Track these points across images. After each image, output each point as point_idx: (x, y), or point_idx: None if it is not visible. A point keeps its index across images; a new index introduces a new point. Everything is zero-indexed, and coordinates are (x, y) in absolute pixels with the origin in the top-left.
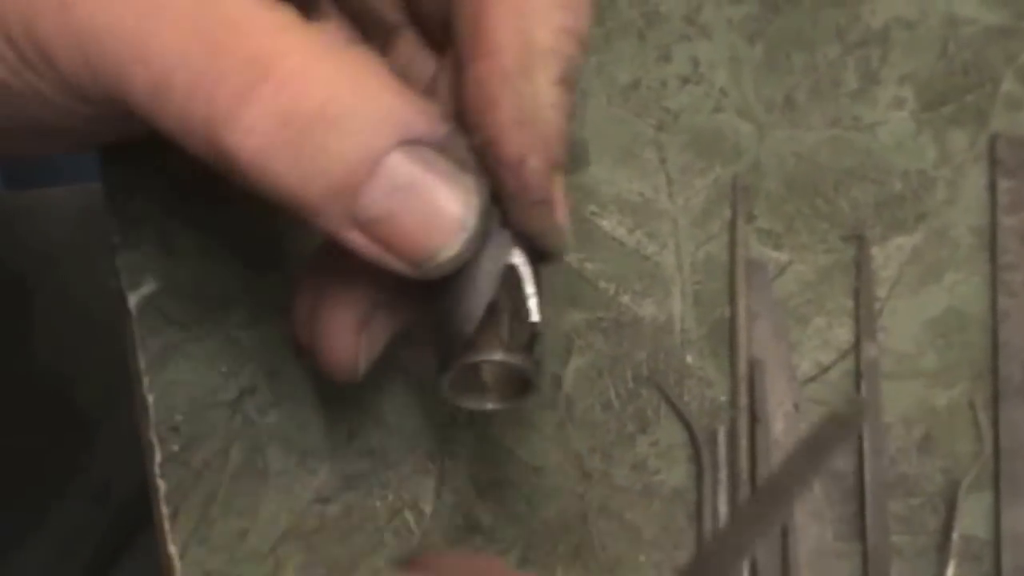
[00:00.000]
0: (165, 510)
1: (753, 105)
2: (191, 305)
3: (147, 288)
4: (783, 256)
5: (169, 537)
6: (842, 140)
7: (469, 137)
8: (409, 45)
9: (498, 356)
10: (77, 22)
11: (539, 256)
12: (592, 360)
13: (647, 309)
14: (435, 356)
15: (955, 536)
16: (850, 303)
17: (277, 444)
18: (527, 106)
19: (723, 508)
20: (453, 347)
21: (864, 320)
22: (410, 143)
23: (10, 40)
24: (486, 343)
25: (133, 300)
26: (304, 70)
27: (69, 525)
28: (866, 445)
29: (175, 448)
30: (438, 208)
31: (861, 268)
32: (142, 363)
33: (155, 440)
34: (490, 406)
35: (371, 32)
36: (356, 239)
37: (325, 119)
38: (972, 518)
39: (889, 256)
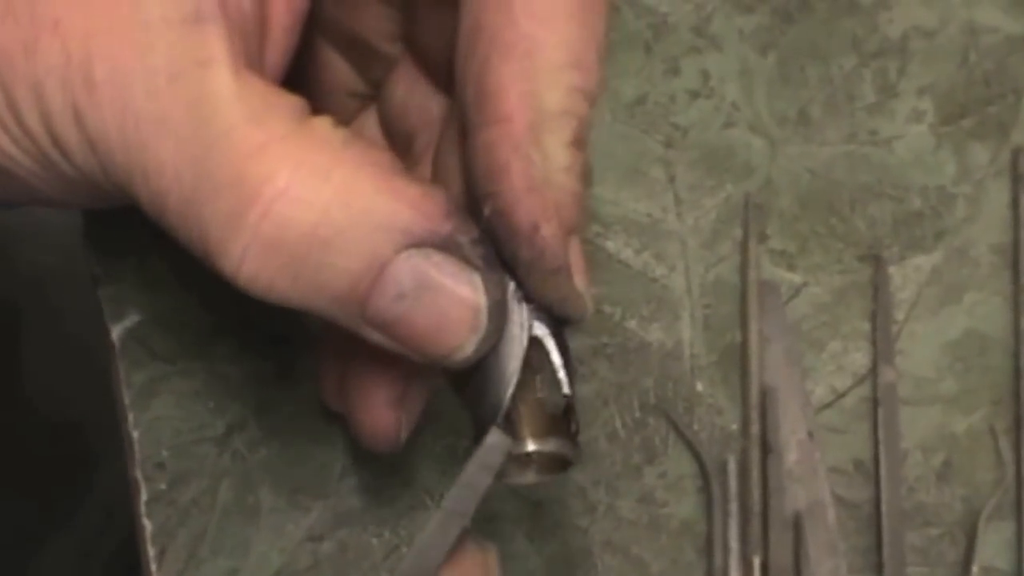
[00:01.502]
0: (151, 551)
1: (765, 120)
2: (176, 338)
3: (130, 320)
4: (797, 277)
5: None
6: (858, 155)
7: (481, 206)
8: (407, 78)
9: (529, 447)
10: (91, 128)
11: (561, 323)
12: (597, 388)
13: (654, 334)
14: (472, 440)
15: (975, 568)
16: (867, 326)
17: (268, 481)
18: (538, 173)
19: (734, 542)
20: (483, 433)
21: (881, 344)
22: (413, 246)
23: (31, 136)
24: (517, 432)
25: (116, 333)
26: (291, 192)
27: (56, 567)
28: (883, 473)
29: (161, 486)
30: (446, 312)
31: (878, 289)
32: (126, 398)
33: (140, 478)
34: (532, 480)
35: (368, 65)
36: (373, 336)
37: (317, 241)
38: (993, 549)
39: (907, 276)
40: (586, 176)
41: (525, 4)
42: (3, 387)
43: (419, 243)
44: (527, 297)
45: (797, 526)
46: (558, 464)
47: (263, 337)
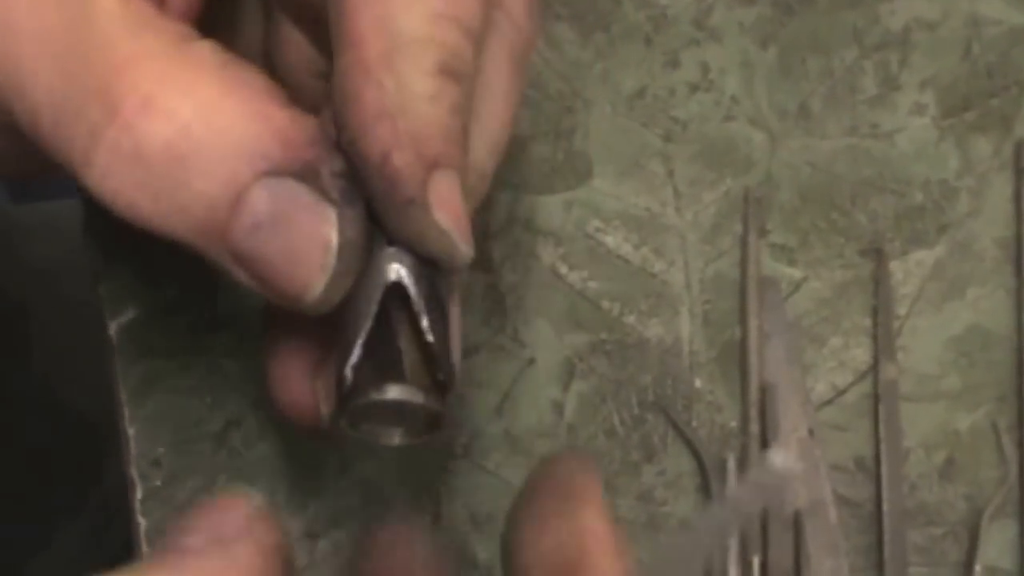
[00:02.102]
0: (146, 548)
1: (766, 113)
2: (173, 333)
3: (127, 316)
4: (797, 272)
5: None
6: (859, 149)
7: (339, 137)
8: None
9: (372, 396)
10: None
11: (432, 267)
12: (595, 385)
13: (653, 330)
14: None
15: (978, 568)
16: (868, 321)
17: (264, 478)
18: (391, 99)
19: (733, 540)
20: (339, 384)
21: (883, 339)
22: (272, 175)
23: None
24: (370, 379)
25: (113, 328)
26: (152, 104)
27: (65, 558)
28: (884, 471)
29: (157, 483)
30: (297, 246)
31: (879, 284)
32: (123, 394)
33: (136, 475)
34: (396, 441)
35: (324, 37)
36: (240, 273)
37: (175, 158)
38: (996, 548)
39: (909, 271)
40: (462, 110)
41: None
42: (11, 382)
43: (278, 170)
44: (391, 239)
45: (797, 525)
46: (428, 422)
47: (261, 333)
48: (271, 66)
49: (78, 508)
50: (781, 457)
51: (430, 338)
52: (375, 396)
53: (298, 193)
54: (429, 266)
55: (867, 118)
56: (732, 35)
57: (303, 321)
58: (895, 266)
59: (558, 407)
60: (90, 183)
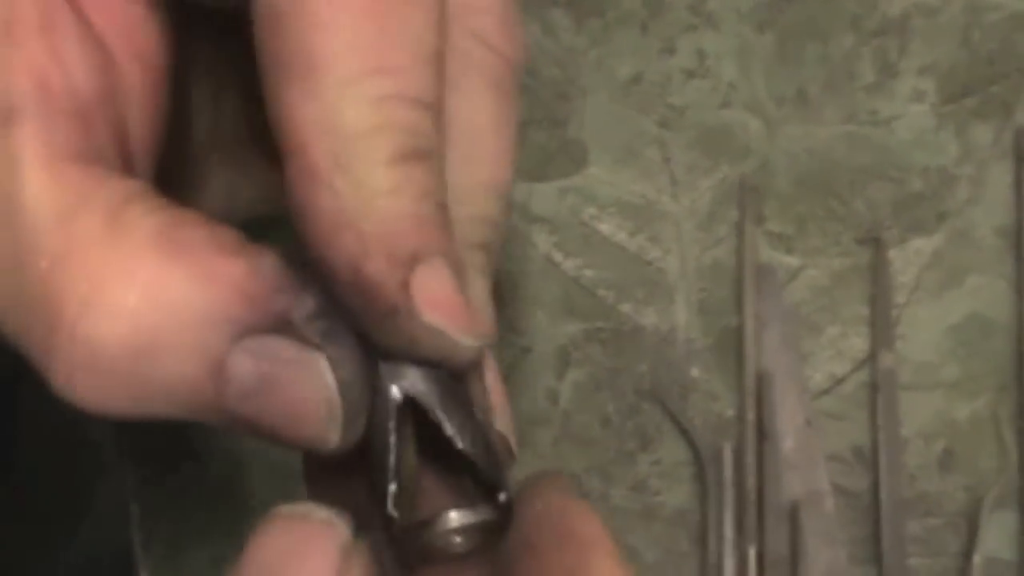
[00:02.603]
0: (138, 536)
1: (763, 100)
2: None
3: None
4: (794, 261)
5: (141, 564)
6: (858, 136)
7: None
8: None
9: (429, 537)
10: None
11: (438, 368)
12: (590, 373)
13: (649, 318)
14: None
15: (977, 558)
16: (866, 310)
17: (259, 466)
18: (348, 204)
19: (729, 531)
20: (387, 527)
21: (881, 328)
22: (246, 335)
23: None
24: (414, 513)
25: None
26: (91, 305)
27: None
28: (882, 461)
29: (149, 470)
30: (296, 405)
31: (878, 273)
32: None
33: (129, 463)
34: (463, 549)
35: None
36: (249, 432)
37: (138, 353)
38: (996, 539)
39: (908, 259)
40: (435, 189)
41: (297, 13)
42: (5, 398)
43: (252, 330)
44: (384, 354)
45: (794, 515)
46: (488, 530)
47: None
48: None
49: (73, 527)
50: None
51: (460, 445)
52: (427, 538)
53: (278, 349)
54: (438, 368)
55: (865, 105)
56: (729, 21)
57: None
58: (893, 254)
59: (553, 395)
60: (60, 392)
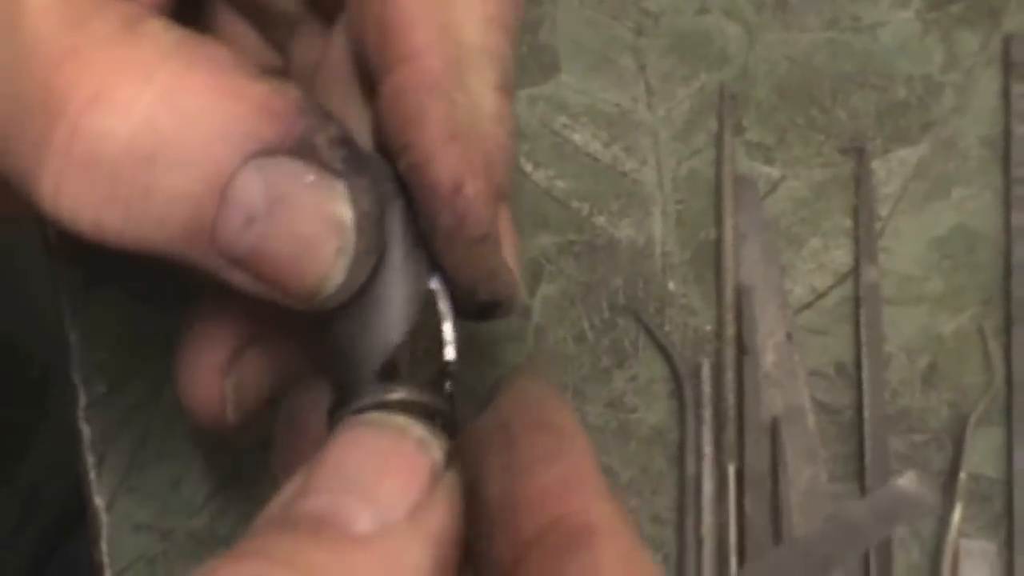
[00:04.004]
0: (90, 458)
1: (742, 5)
2: None
3: None
4: (775, 171)
5: (94, 487)
6: (840, 43)
7: (395, 163)
8: (312, 38)
9: (402, 395)
10: None
11: (481, 310)
12: (563, 287)
13: (624, 231)
14: (332, 385)
15: (963, 475)
16: (848, 222)
17: None
18: (463, 119)
19: (707, 449)
20: (358, 382)
21: (864, 241)
22: (261, 154)
23: None
24: (395, 381)
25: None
26: (102, 98)
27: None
28: (865, 377)
29: (101, 390)
30: (306, 230)
31: (861, 184)
32: (63, 296)
33: (79, 381)
34: None
35: (270, 28)
36: (235, 276)
37: (142, 157)
38: (981, 456)
39: (891, 170)
40: (515, 131)
41: None
42: None
43: (268, 150)
44: (445, 275)
45: (774, 432)
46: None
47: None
48: None
49: (15, 465)
50: (913, 481)
51: (452, 357)
52: (398, 396)
53: (296, 171)
54: (476, 306)
55: (848, 10)
56: None
57: (221, 309)
58: (877, 165)
59: (525, 310)
60: (44, 204)
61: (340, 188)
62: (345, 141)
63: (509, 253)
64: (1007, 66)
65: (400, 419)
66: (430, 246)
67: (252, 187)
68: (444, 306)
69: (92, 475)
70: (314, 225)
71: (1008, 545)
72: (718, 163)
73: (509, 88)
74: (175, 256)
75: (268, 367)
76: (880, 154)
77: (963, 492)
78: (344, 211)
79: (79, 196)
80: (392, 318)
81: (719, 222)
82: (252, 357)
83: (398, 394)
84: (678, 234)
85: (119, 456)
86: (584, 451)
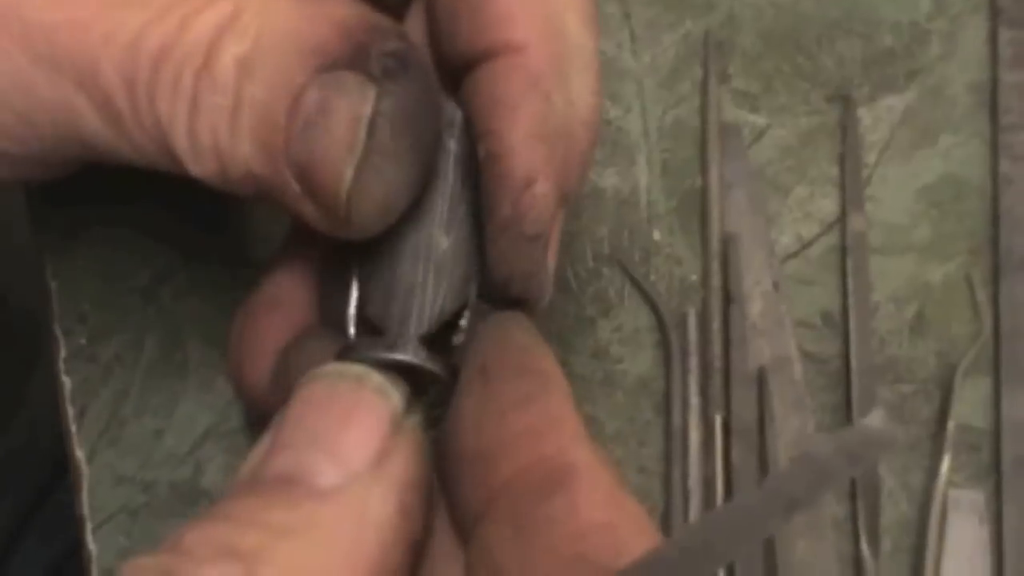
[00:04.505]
0: (71, 410)
1: None
2: (98, 179)
3: None
4: (761, 119)
5: (76, 439)
6: None
7: (475, 142)
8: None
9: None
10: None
11: (507, 302)
12: None
13: (609, 180)
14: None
15: (951, 425)
16: (835, 170)
17: (197, 334)
18: (556, 119)
19: (694, 399)
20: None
21: (850, 189)
22: (328, 68)
23: None
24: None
25: None
26: (237, 19)
27: None
28: (852, 326)
29: (82, 341)
30: (334, 131)
31: (847, 131)
32: (44, 247)
33: (59, 333)
34: None
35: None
36: (294, 193)
37: (242, 75)
38: (969, 405)
39: (878, 118)
40: (598, 138)
41: None
42: None
43: (333, 64)
44: (486, 259)
45: (761, 382)
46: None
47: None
48: None
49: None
50: (879, 419)
51: (458, 339)
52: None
53: (343, 80)
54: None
55: None
56: None
57: (281, 300)
58: (863, 113)
59: None
60: (181, 147)
61: (371, 94)
62: (397, 53)
63: (551, 257)
64: (994, 12)
65: (357, 368)
66: (482, 231)
67: (312, 97)
68: (471, 289)
69: (73, 427)
70: (342, 127)
71: (996, 495)
72: (703, 111)
73: (601, 93)
74: (260, 178)
75: (325, 351)
76: (866, 102)
77: (951, 442)
78: (363, 109)
79: (203, 119)
80: (419, 279)
81: (704, 171)
82: (308, 343)
83: (380, 352)
84: (663, 183)
85: (101, 408)
86: (562, 395)
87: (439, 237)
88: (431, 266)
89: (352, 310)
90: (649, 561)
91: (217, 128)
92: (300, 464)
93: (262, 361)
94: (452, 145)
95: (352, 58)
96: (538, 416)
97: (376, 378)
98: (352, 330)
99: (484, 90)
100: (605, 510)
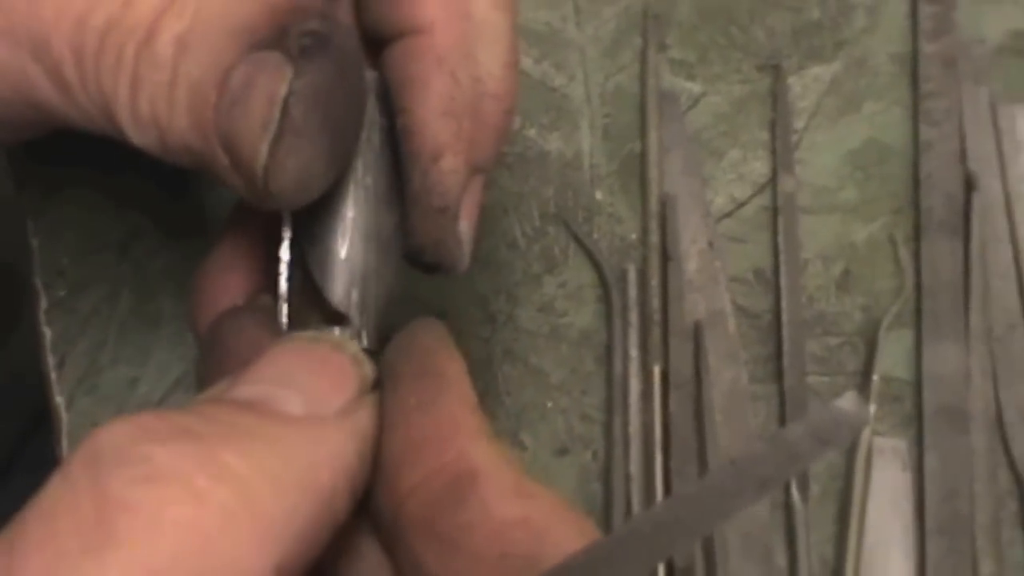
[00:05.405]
0: (51, 359)
1: None
2: (75, 143)
3: None
4: (696, 87)
5: (55, 388)
6: None
7: (392, 111)
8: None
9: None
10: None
11: (423, 267)
12: (496, 197)
13: (554, 143)
14: (287, 312)
15: (875, 377)
16: (766, 135)
17: (169, 288)
18: (462, 96)
19: (634, 351)
20: (310, 315)
21: (781, 153)
22: (256, 48)
23: None
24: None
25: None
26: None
27: None
28: (783, 282)
29: (61, 293)
30: (253, 109)
31: (777, 99)
32: (26, 204)
33: (40, 285)
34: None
35: None
36: (223, 164)
37: (181, 49)
38: (893, 358)
39: (806, 86)
40: (514, 107)
41: None
42: None
43: (260, 43)
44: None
45: (697, 335)
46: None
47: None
48: None
49: None
50: (852, 401)
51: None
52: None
53: (265, 58)
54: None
55: None
56: None
57: (240, 260)
58: (793, 81)
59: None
60: (123, 117)
61: (287, 71)
62: (315, 33)
63: (468, 224)
64: None
65: (337, 336)
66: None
67: (238, 75)
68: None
69: (53, 375)
70: (260, 104)
71: (918, 442)
72: (642, 79)
73: (515, 64)
74: (194, 150)
75: (259, 326)
76: (795, 71)
77: (876, 393)
78: (279, 88)
79: (147, 95)
80: (373, 264)
81: (644, 135)
82: (243, 317)
83: (347, 331)
84: (605, 146)
85: (79, 357)
86: (462, 397)
87: (384, 216)
88: (381, 248)
89: (283, 287)
90: (624, 536)
91: (155, 102)
92: (268, 394)
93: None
94: (384, 120)
95: (275, 38)
96: (437, 420)
97: (354, 347)
98: (285, 308)
99: (396, 68)
100: (516, 505)
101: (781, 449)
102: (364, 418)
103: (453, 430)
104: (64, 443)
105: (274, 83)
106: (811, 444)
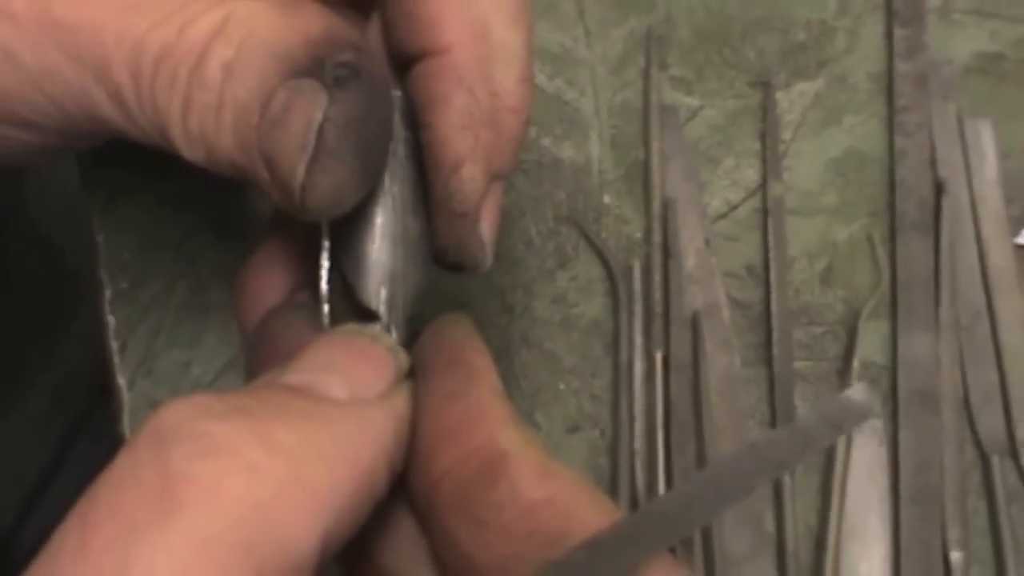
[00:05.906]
0: (114, 344)
1: None
2: (135, 151)
3: None
4: (694, 101)
5: (118, 370)
6: None
7: (419, 132)
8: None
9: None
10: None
11: (447, 267)
12: (514, 200)
13: (566, 151)
14: (328, 311)
15: (855, 362)
16: (757, 145)
17: (219, 281)
18: (480, 110)
19: (638, 339)
20: (348, 312)
21: (770, 160)
22: (295, 74)
23: None
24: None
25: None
26: (225, 27)
27: (40, 403)
28: (772, 277)
29: (124, 285)
30: (291, 132)
31: (767, 112)
32: (92, 205)
33: (105, 278)
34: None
35: None
36: (266, 178)
37: (228, 73)
38: (871, 345)
39: (793, 101)
40: (529, 120)
41: None
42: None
43: (300, 70)
44: (431, 228)
45: (695, 324)
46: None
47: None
48: None
49: (49, 355)
50: (861, 391)
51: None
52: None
53: (303, 85)
54: (448, 263)
55: None
56: None
57: (283, 256)
58: (781, 96)
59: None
60: (175, 134)
61: (323, 99)
62: (350, 64)
63: (489, 226)
64: (889, 13)
65: (375, 329)
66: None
67: (279, 99)
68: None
69: (116, 359)
70: (298, 127)
71: (893, 421)
72: (646, 94)
73: (529, 79)
74: (238, 165)
75: (306, 323)
76: (783, 87)
77: (856, 376)
78: (314, 115)
79: (198, 117)
80: (400, 265)
81: (647, 145)
82: (289, 314)
83: (379, 326)
84: (612, 155)
85: (138, 343)
86: (489, 386)
87: (409, 221)
88: (408, 250)
89: (324, 289)
90: (651, 513)
91: (204, 121)
92: (315, 380)
93: (255, 316)
94: (409, 133)
95: (312, 67)
96: (467, 408)
97: (390, 339)
98: (326, 308)
99: (419, 87)
100: (542, 486)
101: (798, 434)
102: (401, 403)
103: (482, 417)
104: (125, 420)
105: (311, 109)
106: (824, 429)
